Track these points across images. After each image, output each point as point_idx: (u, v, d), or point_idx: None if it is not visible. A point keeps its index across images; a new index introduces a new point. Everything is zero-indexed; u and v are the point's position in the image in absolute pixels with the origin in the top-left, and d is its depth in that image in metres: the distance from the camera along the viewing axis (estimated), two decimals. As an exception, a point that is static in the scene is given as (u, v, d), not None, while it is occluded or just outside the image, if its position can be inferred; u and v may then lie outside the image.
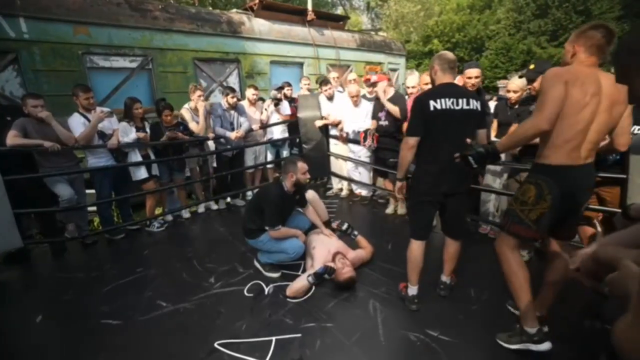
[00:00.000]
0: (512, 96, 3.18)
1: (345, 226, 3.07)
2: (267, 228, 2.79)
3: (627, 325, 0.67)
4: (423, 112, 2.05)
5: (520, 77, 3.07)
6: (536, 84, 2.72)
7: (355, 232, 3.06)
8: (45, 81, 4.45)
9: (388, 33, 18.78)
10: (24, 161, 3.20)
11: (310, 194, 3.31)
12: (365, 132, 4.00)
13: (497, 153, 1.79)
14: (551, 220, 1.76)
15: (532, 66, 2.91)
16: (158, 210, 4.31)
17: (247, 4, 6.97)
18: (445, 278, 2.49)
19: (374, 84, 4.04)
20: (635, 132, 2.43)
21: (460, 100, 2.03)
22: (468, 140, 1.88)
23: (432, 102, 2.03)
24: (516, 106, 3.19)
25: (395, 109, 3.73)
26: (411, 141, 2.12)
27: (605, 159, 2.55)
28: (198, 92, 4.20)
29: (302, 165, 2.86)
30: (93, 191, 3.66)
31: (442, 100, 2.02)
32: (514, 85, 3.17)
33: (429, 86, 3.30)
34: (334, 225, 3.11)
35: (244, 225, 2.99)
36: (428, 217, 2.29)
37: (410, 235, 2.32)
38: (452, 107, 2.02)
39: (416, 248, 2.28)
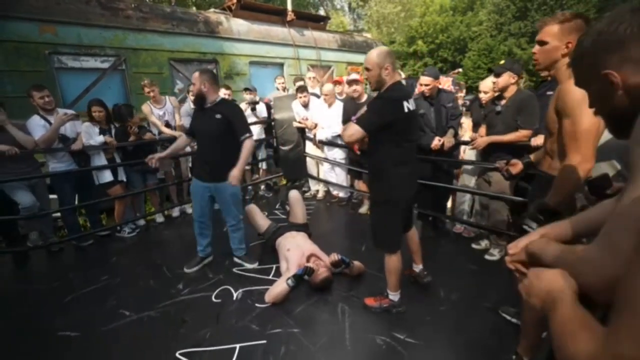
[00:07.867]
0: (483, 96, 3.21)
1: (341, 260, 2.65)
2: (247, 135, 2.71)
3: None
4: (395, 114, 1.90)
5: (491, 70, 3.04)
6: (500, 80, 2.71)
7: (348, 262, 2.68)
8: (8, 82, 4.24)
9: (371, 34, 18.88)
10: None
11: (294, 194, 3.28)
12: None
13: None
14: None
15: (502, 62, 2.92)
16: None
17: (225, 4, 6.86)
18: (421, 266, 2.52)
19: (352, 82, 3.78)
20: None
21: (412, 101, 2.00)
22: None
23: (405, 104, 1.93)
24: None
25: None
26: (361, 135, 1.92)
27: None
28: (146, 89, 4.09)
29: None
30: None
31: (410, 101, 1.98)
32: (484, 85, 3.20)
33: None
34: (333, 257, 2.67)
35: (211, 163, 2.72)
36: (401, 223, 2.18)
37: (386, 249, 2.16)
38: (413, 109, 1.99)
39: (396, 259, 2.15)
